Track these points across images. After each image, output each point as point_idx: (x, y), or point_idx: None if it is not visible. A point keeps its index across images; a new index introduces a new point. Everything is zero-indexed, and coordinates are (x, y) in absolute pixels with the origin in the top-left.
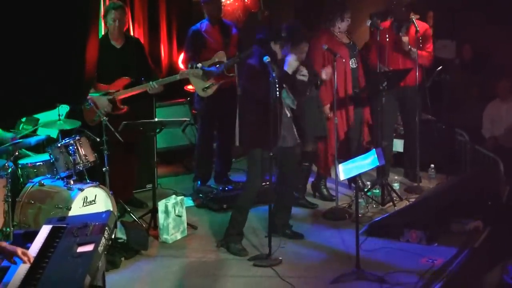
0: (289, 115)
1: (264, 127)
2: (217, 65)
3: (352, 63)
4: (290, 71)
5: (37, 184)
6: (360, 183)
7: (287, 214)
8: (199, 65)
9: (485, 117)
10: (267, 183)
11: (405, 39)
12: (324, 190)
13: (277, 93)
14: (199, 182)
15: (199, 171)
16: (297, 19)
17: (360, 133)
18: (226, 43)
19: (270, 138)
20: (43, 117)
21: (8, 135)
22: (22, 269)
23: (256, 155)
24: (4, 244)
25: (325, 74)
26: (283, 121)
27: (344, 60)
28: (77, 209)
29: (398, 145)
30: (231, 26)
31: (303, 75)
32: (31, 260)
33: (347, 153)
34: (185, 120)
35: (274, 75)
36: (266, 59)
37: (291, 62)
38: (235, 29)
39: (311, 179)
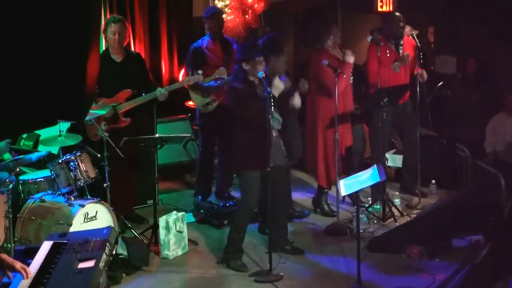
0: (275, 134)
1: (255, 148)
2: (219, 81)
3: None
4: (276, 94)
5: (38, 200)
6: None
7: (284, 231)
8: (200, 71)
9: (488, 129)
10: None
11: (406, 54)
12: (325, 206)
13: (272, 108)
14: (199, 197)
15: (200, 187)
16: (297, 35)
17: (362, 148)
18: (227, 59)
19: (261, 159)
20: (44, 133)
21: (2, 143)
22: (23, 285)
23: (249, 177)
24: (4, 256)
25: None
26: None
27: (345, 76)
28: (78, 225)
29: (399, 161)
30: (232, 42)
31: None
32: (29, 276)
33: (348, 168)
34: (186, 136)
35: (269, 90)
36: (261, 74)
37: (276, 84)
38: (236, 46)
39: (311, 195)
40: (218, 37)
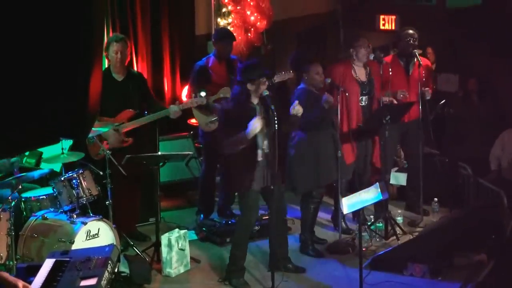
0: (260, 157)
1: (251, 167)
2: (221, 102)
3: (362, 101)
4: (249, 137)
5: (40, 217)
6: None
7: (285, 249)
8: (203, 93)
9: (497, 142)
10: (267, 217)
11: (425, 90)
12: (343, 223)
13: (276, 126)
14: (201, 216)
15: (202, 205)
16: (298, 52)
17: (365, 167)
18: (231, 78)
19: (254, 179)
20: (46, 150)
21: (4, 160)
22: None
23: (247, 195)
24: (6, 275)
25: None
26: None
27: (347, 95)
28: (80, 242)
29: (401, 179)
30: (237, 60)
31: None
32: None
33: (352, 186)
34: (188, 154)
35: (273, 108)
36: (265, 93)
37: (255, 128)
38: (240, 64)
39: (327, 215)
40: (225, 58)
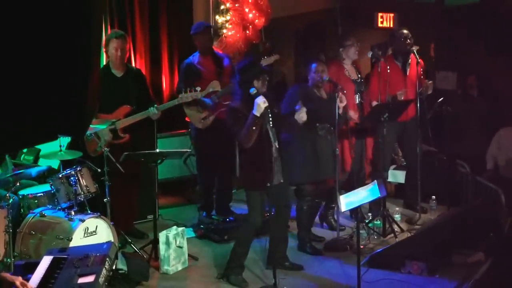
0: (275, 154)
1: (256, 168)
2: (211, 96)
3: (356, 99)
4: (258, 114)
5: (38, 215)
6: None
7: (283, 247)
8: (198, 88)
9: (493, 141)
10: (267, 214)
11: (429, 84)
12: (332, 220)
13: (271, 123)
14: (204, 213)
15: (205, 202)
16: (297, 51)
17: (361, 165)
18: (219, 72)
19: (261, 180)
20: (44, 148)
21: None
22: None
23: (254, 196)
24: (5, 274)
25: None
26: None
27: (345, 92)
28: (78, 240)
29: (400, 176)
30: (223, 57)
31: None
32: None
33: (349, 184)
34: (186, 151)
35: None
36: (253, 90)
37: (259, 103)
38: (228, 60)
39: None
40: (208, 52)
